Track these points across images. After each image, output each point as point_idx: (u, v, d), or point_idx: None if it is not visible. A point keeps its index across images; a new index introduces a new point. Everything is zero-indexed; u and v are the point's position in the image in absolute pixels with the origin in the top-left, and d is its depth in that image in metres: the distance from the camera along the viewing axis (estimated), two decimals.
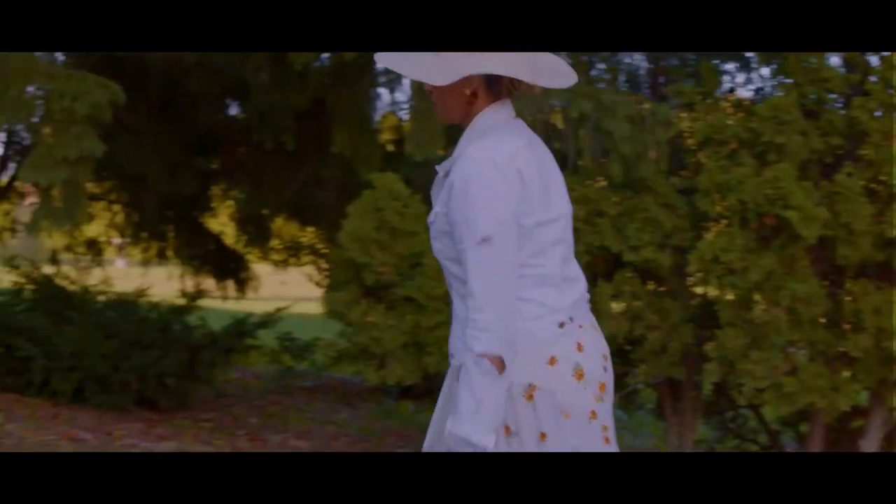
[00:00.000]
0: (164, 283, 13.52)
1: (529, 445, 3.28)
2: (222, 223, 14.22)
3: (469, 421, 3.15)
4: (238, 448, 8.17)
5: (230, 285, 13.41)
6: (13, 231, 13.29)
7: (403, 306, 6.92)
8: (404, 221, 6.88)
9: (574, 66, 3.45)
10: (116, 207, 13.63)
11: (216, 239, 13.61)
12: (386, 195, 6.95)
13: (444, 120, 3.44)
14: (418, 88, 6.88)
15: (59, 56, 9.15)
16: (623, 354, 7.21)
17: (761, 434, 7.93)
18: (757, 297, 6.47)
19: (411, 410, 10.59)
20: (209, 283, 13.27)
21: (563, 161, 7.01)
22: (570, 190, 6.57)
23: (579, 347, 3.32)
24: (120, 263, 21.15)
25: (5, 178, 12.11)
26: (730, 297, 6.55)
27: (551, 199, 3.35)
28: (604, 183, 7.01)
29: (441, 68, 3.24)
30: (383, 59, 3.37)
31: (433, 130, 6.94)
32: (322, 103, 9.29)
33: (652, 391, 7.84)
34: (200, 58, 9.41)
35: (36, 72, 7.17)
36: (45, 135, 7.38)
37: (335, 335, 7.33)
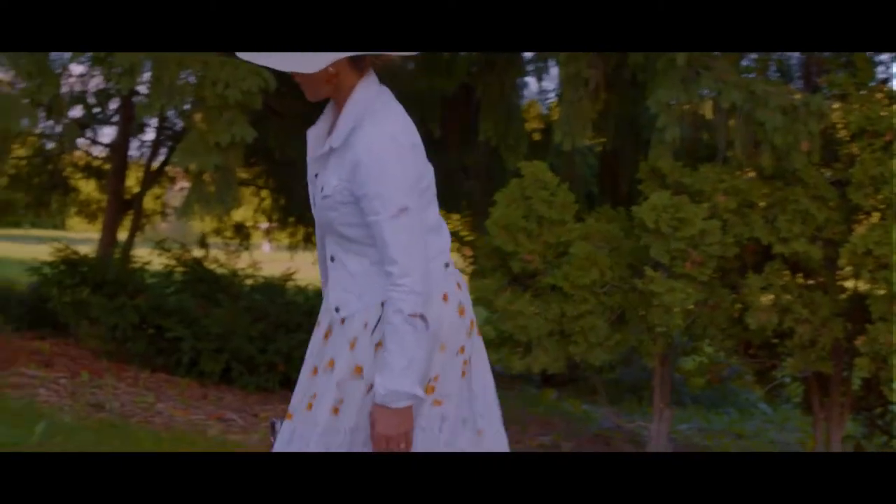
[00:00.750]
0: (310, 267, 13.66)
1: None
2: None
3: (403, 375, 3.40)
4: None
5: None
6: (164, 214, 13.55)
7: (549, 295, 6.91)
8: (552, 210, 6.86)
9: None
10: (264, 192, 13.83)
11: None
12: (534, 183, 6.94)
13: (313, 98, 3.67)
14: (568, 78, 6.85)
15: None
16: (770, 347, 7.13)
17: None
18: None
19: (554, 398, 10.57)
20: None
21: (712, 151, 6.94)
22: (720, 181, 6.58)
23: (458, 286, 3.69)
24: (265, 248, 21.43)
25: (157, 163, 12.35)
26: (882, 291, 6.43)
27: (426, 160, 3.60)
28: (752, 174, 6.92)
29: (309, 57, 3.46)
30: (252, 58, 3.57)
31: (582, 119, 6.92)
32: (467, 90, 9.30)
33: (799, 385, 7.73)
34: None
35: (190, 58, 7.28)
36: (196, 121, 7.51)
37: (480, 322, 7.33)
